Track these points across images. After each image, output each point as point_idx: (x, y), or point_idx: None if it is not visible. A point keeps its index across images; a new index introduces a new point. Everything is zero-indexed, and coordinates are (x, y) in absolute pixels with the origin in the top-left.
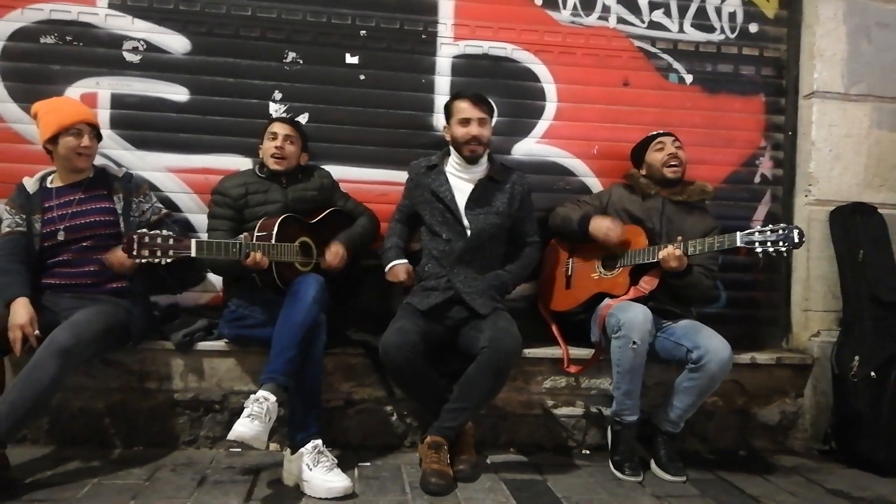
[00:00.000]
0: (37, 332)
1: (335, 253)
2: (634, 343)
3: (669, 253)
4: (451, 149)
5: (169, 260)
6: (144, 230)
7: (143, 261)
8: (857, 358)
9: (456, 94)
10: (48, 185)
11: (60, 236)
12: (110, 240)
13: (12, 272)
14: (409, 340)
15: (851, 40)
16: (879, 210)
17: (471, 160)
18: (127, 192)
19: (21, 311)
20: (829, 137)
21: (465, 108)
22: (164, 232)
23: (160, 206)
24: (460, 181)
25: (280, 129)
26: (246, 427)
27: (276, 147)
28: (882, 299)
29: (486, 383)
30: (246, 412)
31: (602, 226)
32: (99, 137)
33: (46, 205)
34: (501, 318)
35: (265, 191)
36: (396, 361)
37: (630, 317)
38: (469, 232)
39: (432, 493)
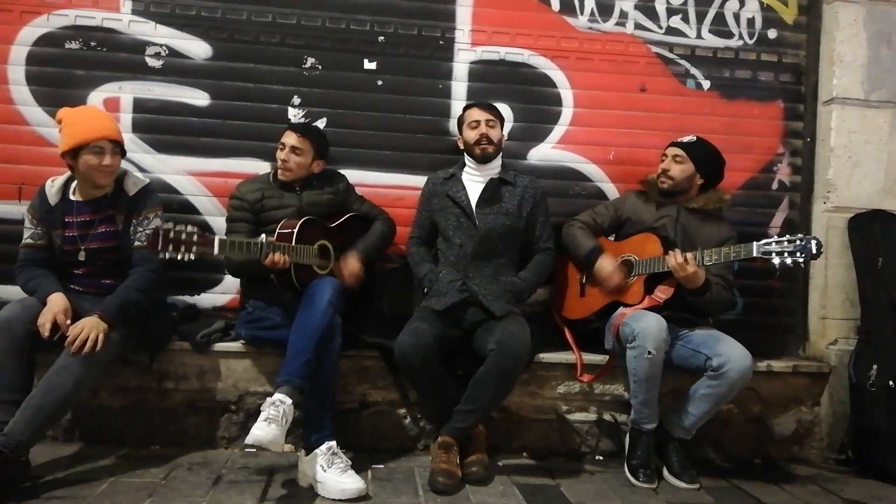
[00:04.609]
0: (69, 321)
1: (350, 272)
2: (650, 353)
3: (679, 261)
4: (465, 155)
5: (192, 256)
6: (170, 225)
7: (167, 256)
8: (875, 367)
9: (466, 106)
10: (70, 197)
11: (81, 256)
12: (122, 262)
13: (43, 275)
14: (424, 341)
15: (872, 46)
16: None
17: (483, 159)
18: (128, 213)
19: (59, 301)
20: (848, 144)
21: (473, 113)
22: (189, 228)
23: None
24: (474, 183)
25: (288, 139)
26: (263, 431)
27: (281, 160)
28: None
29: (494, 386)
30: (263, 416)
31: (604, 271)
32: (123, 153)
33: (67, 220)
34: (513, 321)
35: (280, 196)
36: (411, 362)
37: (644, 326)
38: (478, 230)
39: (439, 492)
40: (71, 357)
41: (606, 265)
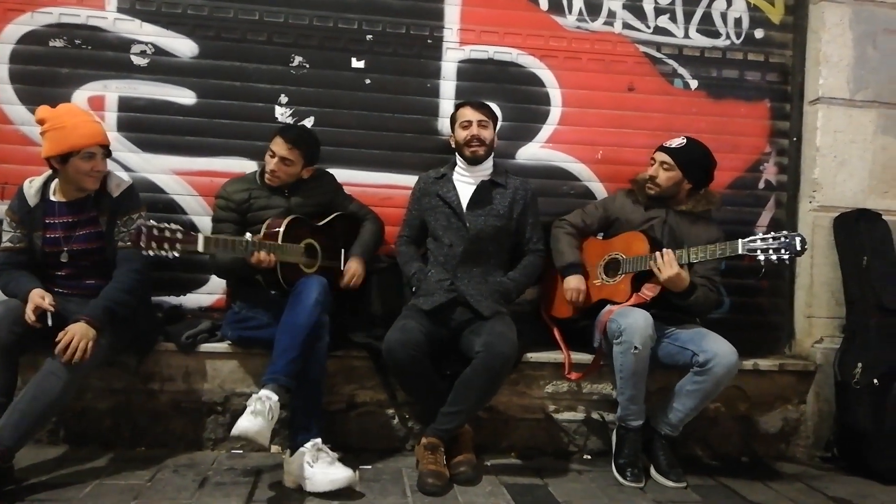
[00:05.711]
0: (51, 301)
1: (353, 274)
2: (636, 348)
3: (664, 261)
4: (456, 155)
5: (176, 254)
6: (153, 222)
7: (152, 253)
8: (859, 365)
9: (459, 104)
10: (51, 198)
11: (63, 258)
12: (106, 263)
13: (22, 276)
14: (413, 338)
15: (857, 46)
16: (884, 216)
17: (473, 160)
18: (112, 214)
19: (37, 292)
20: (834, 143)
21: (466, 112)
22: (173, 225)
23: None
24: (465, 184)
25: (279, 149)
26: (249, 422)
27: (270, 169)
28: (886, 306)
29: (480, 387)
30: (248, 409)
31: (570, 288)
32: (108, 155)
33: (48, 221)
34: (500, 322)
35: (268, 197)
36: (400, 359)
37: (631, 322)
38: (468, 232)
39: (429, 493)
40: (58, 362)
41: (574, 282)
